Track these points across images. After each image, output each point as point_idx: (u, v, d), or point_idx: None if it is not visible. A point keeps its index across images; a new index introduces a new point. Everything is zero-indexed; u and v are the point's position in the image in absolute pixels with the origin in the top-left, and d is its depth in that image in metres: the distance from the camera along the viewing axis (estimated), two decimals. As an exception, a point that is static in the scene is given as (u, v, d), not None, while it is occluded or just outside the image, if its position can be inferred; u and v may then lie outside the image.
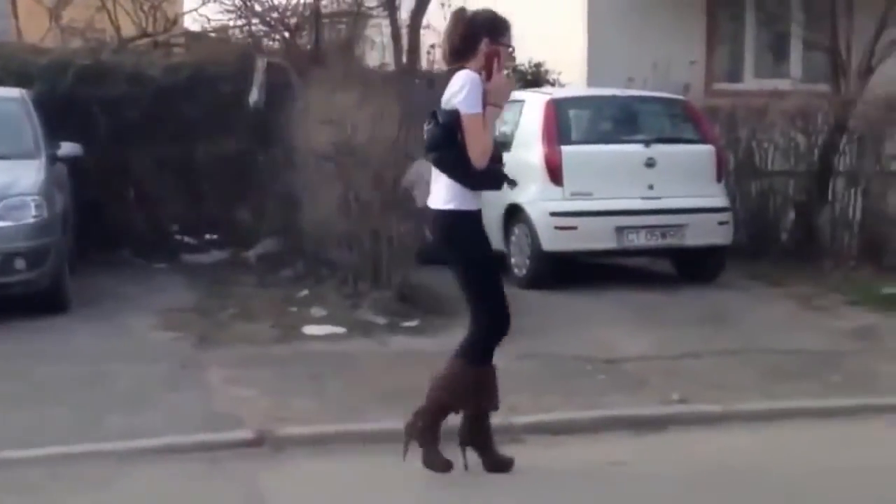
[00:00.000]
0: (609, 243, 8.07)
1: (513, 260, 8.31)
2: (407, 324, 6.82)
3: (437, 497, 4.20)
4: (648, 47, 10.09)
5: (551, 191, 8.06)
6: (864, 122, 8.59)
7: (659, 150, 8.21)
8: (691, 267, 8.47)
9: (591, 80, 10.25)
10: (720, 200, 8.38)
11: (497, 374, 4.30)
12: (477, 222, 4.19)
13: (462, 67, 4.13)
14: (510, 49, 4.22)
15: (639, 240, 8.12)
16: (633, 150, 8.19)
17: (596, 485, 4.28)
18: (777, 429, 5.01)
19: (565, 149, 8.12)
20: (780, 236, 9.17)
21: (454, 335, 6.69)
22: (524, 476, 4.33)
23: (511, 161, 8.46)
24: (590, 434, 4.89)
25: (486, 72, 4.12)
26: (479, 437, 4.28)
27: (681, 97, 8.93)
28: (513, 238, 8.31)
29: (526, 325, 7.04)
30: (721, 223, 8.32)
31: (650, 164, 8.15)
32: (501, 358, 6.21)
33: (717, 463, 4.52)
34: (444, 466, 4.22)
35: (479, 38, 4.14)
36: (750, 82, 10.80)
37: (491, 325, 4.22)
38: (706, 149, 8.39)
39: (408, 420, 4.27)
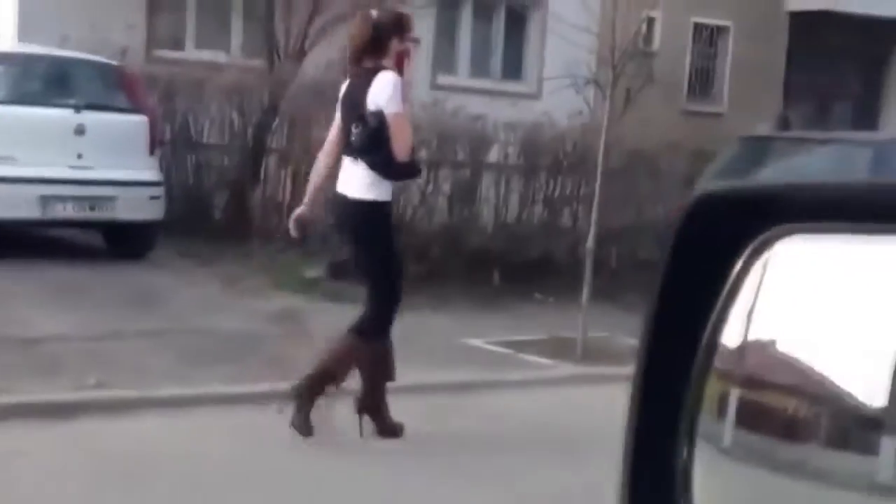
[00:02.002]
0: (32, 213, 8.09)
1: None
2: None
3: None
4: (87, 6, 10.14)
5: (-34, 154, 7.86)
6: (294, 104, 9.47)
7: (90, 117, 8.37)
8: (121, 242, 8.79)
9: (23, 36, 10.04)
10: (152, 174, 8.76)
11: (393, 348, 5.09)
12: (390, 212, 5.08)
13: (379, 67, 4.83)
14: (417, 43, 5.10)
15: (66, 211, 8.25)
16: (62, 116, 8.27)
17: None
18: (189, 415, 5.35)
19: (-14, 109, 7.97)
20: (213, 214, 9.77)
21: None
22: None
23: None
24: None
25: (399, 69, 4.86)
26: (373, 405, 5.05)
27: (114, 62, 9.12)
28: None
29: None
30: (152, 198, 8.72)
31: (80, 131, 8.30)
32: None
33: (125, 452, 4.76)
34: (308, 432, 4.98)
35: (389, 38, 4.88)
36: (191, 52, 11.31)
37: (389, 305, 4.99)
38: (139, 119, 8.68)
39: (295, 383, 5.01)
